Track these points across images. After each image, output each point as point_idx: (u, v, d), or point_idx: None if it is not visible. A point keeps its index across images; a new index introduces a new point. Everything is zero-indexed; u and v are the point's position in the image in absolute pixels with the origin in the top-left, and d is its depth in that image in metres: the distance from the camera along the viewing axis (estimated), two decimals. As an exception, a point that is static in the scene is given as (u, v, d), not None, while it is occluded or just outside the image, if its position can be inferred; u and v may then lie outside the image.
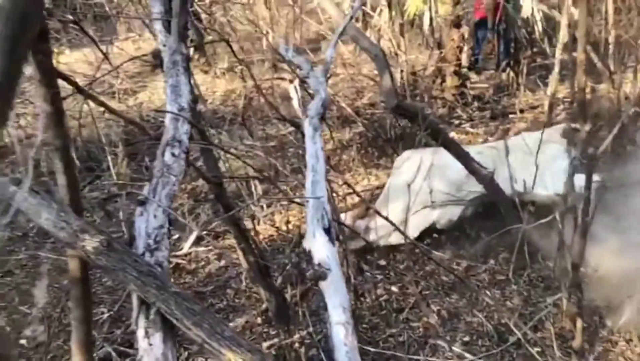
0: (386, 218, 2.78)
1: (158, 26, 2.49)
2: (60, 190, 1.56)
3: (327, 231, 2.00)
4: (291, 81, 5.28)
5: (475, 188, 4.39)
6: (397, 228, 2.86)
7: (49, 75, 1.42)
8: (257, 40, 6.55)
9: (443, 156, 4.23)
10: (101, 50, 3.00)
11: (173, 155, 2.02)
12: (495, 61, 6.65)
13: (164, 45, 2.39)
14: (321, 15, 6.37)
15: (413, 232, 4.34)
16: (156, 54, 2.50)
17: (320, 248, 1.94)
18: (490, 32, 6.15)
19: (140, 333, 1.57)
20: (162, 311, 1.59)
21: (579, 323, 3.15)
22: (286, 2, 6.38)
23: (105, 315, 3.91)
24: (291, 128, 5.90)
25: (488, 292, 4.05)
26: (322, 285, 1.88)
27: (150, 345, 1.55)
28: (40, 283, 4.29)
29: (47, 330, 3.77)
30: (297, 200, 2.78)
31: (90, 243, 1.57)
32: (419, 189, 4.04)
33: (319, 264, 1.91)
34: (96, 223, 4.54)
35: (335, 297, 1.85)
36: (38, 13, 0.47)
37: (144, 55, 6.45)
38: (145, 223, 1.77)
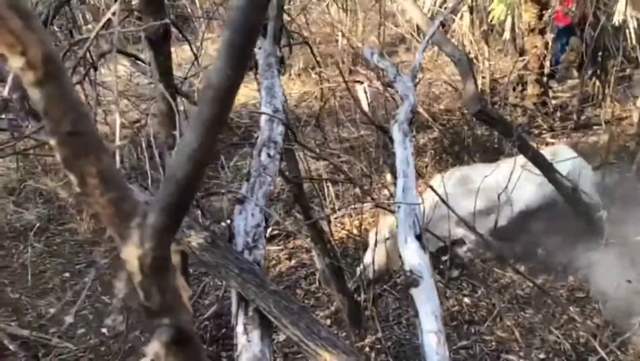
0: (473, 229, 2.72)
1: (253, 29, 2.55)
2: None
3: (419, 238, 1.98)
4: (361, 83, 5.28)
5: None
6: (481, 237, 2.79)
7: (168, 76, 1.47)
8: (334, 42, 6.58)
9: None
10: (194, 52, 3.10)
11: (269, 155, 2.06)
12: (579, 69, 6.38)
13: (259, 48, 2.45)
14: (400, 17, 6.33)
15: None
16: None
17: (412, 254, 1.91)
18: (577, 39, 5.90)
19: (240, 329, 1.61)
20: (261, 309, 1.62)
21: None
22: (364, 4, 6.38)
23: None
24: (364, 132, 5.90)
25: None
26: (414, 292, 1.86)
27: (249, 341, 1.58)
28: (121, 274, 4.49)
29: (126, 321, 3.92)
30: (387, 205, 2.76)
31: (196, 239, 1.62)
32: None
33: (411, 271, 1.89)
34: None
35: (427, 305, 1.82)
36: (261, 24, 0.49)
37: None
38: (244, 221, 1.81)
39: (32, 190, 5.33)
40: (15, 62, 0.44)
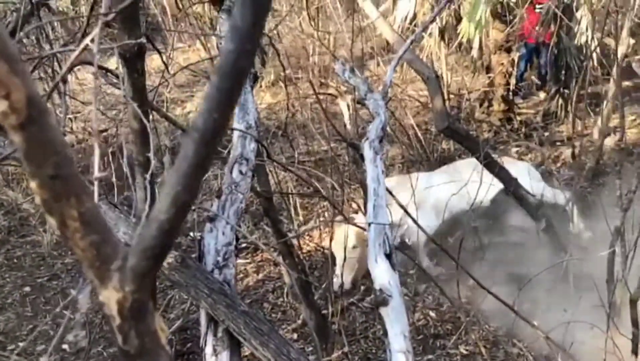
0: (440, 247, 2.75)
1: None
2: (139, 205, 1.59)
3: (389, 256, 1.99)
4: (337, 97, 5.32)
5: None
6: (445, 252, 2.83)
7: (141, 93, 1.46)
8: (305, 56, 6.62)
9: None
10: (164, 62, 3.06)
11: (241, 172, 2.06)
12: (542, 87, 6.57)
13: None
14: (370, 33, 6.41)
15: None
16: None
17: (382, 273, 1.93)
18: (542, 57, 6.09)
19: (209, 350, 1.59)
20: (231, 330, 1.61)
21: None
22: (335, 19, 6.45)
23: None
24: (333, 145, 5.94)
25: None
26: (383, 311, 1.88)
27: (218, 363, 1.56)
28: (84, 289, 4.38)
29: (89, 336, 3.83)
30: (359, 223, 2.77)
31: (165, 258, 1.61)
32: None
33: (380, 290, 1.90)
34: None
35: (397, 324, 1.84)
36: (250, 69, 0.49)
37: (190, 64, 6.60)
38: (215, 240, 1.80)
39: (-9, 201, 5.17)
40: (-2, 106, 0.43)
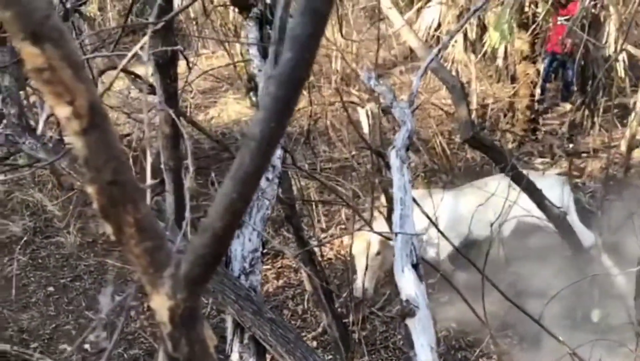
0: (464, 256, 2.72)
1: (253, 51, 2.56)
2: (168, 209, 1.60)
3: (415, 267, 1.97)
4: (359, 105, 5.30)
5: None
6: (473, 265, 2.79)
7: (173, 99, 1.47)
8: (328, 63, 6.63)
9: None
10: (189, 67, 3.09)
11: (267, 179, 2.06)
12: (567, 98, 6.49)
13: (259, 70, 2.45)
14: (394, 41, 6.40)
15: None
16: (251, 77, 2.56)
17: (409, 284, 1.91)
18: (567, 68, 6.01)
19: (235, 357, 1.59)
20: (257, 337, 1.60)
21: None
22: (359, 27, 6.46)
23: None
24: (355, 152, 5.93)
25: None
26: (409, 322, 1.86)
27: (245, 370, 1.56)
28: (106, 290, 4.43)
29: (110, 337, 3.85)
30: (385, 233, 2.75)
31: (194, 263, 1.61)
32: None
33: (407, 301, 1.88)
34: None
35: (423, 336, 1.82)
36: (307, 78, 0.49)
37: (211, 69, 6.65)
38: (242, 246, 1.80)
39: (19, 202, 5.25)
40: (62, 112, 0.43)
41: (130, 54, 0.89)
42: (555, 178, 4.61)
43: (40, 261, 4.80)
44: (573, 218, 4.32)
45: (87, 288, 4.51)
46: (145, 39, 0.86)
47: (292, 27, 0.49)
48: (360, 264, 4.03)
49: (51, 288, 4.49)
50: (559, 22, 5.63)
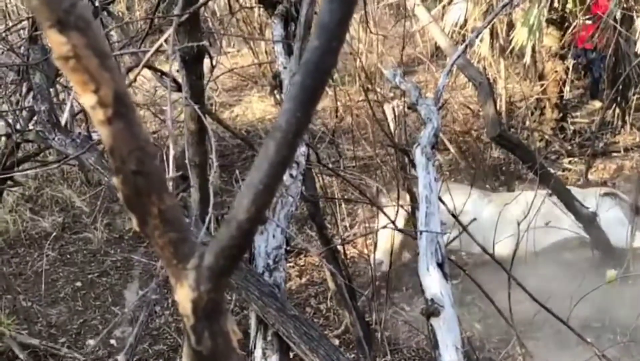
0: (491, 256, 2.67)
1: (278, 48, 2.56)
2: (193, 205, 1.61)
3: (441, 266, 1.95)
4: (380, 104, 5.26)
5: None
6: (500, 265, 2.74)
7: (199, 95, 1.47)
8: (352, 60, 6.61)
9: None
10: (212, 65, 3.10)
11: (291, 175, 2.06)
12: (595, 96, 6.35)
13: (285, 67, 2.45)
14: (419, 38, 6.35)
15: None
16: (275, 75, 2.55)
17: (434, 283, 1.89)
18: (595, 66, 5.87)
19: (258, 353, 1.59)
20: (280, 334, 1.60)
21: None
22: (384, 24, 6.42)
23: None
24: (379, 151, 5.89)
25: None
26: (434, 321, 1.83)
27: (268, 366, 1.56)
28: (132, 286, 4.49)
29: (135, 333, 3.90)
30: (409, 231, 2.73)
31: (218, 259, 1.62)
32: None
33: (432, 300, 1.86)
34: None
35: (448, 336, 1.79)
36: (334, 67, 0.48)
37: (235, 68, 6.68)
38: (265, 242, 1.80)
39: (49, 198, 5.36)
40: (87, 100, 0.43)
41: (155, 47, 0.90)
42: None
43: (68, 256, 4.89)
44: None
45: (113, 283, 4.58)
46: (170, 30, 0.86)
47: (320, 15, 0.48)
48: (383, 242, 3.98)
49: (79, 284, 4.57)
50: (587, 20, 5.51)
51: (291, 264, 4.95)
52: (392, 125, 4.39)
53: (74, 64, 0.42)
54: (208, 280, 0.49)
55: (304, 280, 4.88)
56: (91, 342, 3.97)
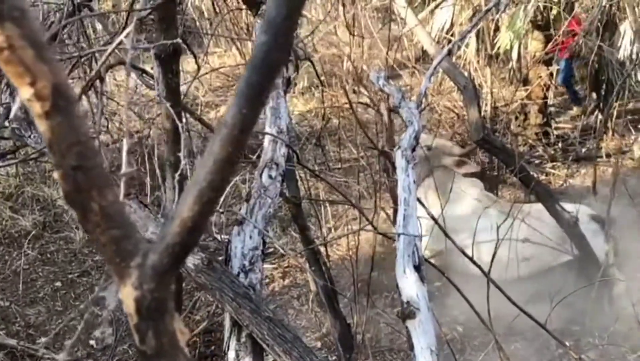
0: (473, 261, 2.68)
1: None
2: (168, 205, 1.59)
3: (418, 268, 1.95)
4: (370, 106, 5.27)
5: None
6: (481, 269, 2.75)
7: (175, 94, 1.46)
8: (339, 63, 6.62)
9: None
10: (197, 65, 3.09)
11: (270, 177, 2.05)
12: (578, 101, 6.41)
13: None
14: (406, 42, 6.37)
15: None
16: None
17: (410, 285, 1.89)
18: (565, 72, 5.94)
19: (231, 355, 1.58)
20: (254, 335, 1.59)
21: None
22: (370, 27, 6.43)
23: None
24: (364, 153, 5.90)
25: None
26: (410, 324, 1.83)
27: (241, 368, 1.55)
28: (112, 286, 4.45)
29: (115, 334, 3.87)
30: (388, 234, 2.73)
31: (192, 260, 1.60)
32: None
33: (408, 302, 1.86)
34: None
35: (423, 338, 1.79)
36: (283, 64, 0.47)
37: (221, 67, 6.66)
38: (242, 243, 1.79)
39: (29, 196, 5.29)
40: (24, 93, 0.42)
41: (114, 44, 0.88)
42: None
43: (48, 256, 4.83)
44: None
45: (94, 283, 4.53)
46: (130, 27, 0.85)
47: (266, 11, 0.48)
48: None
49: (59, 283, 4.51)
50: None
51: (274, 266, 4.93)
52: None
53: (8, 55, 0.41)
54: (151, 278, 0.48)
55: (286, 281, 4.86)
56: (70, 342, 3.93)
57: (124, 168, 0.57)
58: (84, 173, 0.45)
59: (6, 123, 2.20)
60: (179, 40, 1.32)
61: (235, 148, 0.47)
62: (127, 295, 0.48)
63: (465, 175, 4.31)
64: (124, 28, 1.80)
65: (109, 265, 0.48)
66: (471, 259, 2.57)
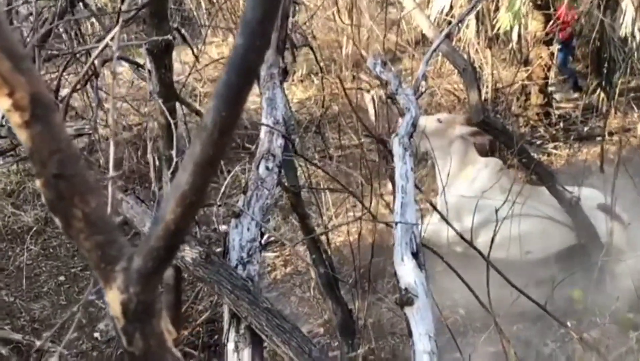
0: (473, 246, 2.69)
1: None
2: (164, 201, 1.59)
3: (415, 255, 1.96)
4: (368, 92, 5.25)
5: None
6: (481, 254, 2.75)
7: (169, 89, 1.46)
8: (338, 49, 6.58)
9: None
10: (195, 57, 3.07)
11: (267, 168, 2.05)
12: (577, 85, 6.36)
13: (261, 57, 2.43)
14: (404, 26, 6.31)
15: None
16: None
17: (408, 272, 1.90)
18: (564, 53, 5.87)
19: (230, 346, 1.59)
20: (253, 327, 1.60)
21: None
22: (370, 12, 6.39)
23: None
24: (364, 140, 5.89)
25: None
26: (408, 310, 1.84)
27: (239, 360, 1.56)
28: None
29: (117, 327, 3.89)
30: (386, 221, 2.73)
31: (190, 254, 1.61)
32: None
33: (406, 289, 1.87)
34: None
35: (422, 325, 1.81)
36: (260, 65, 0.48)
37: (220, 58, 6.61)
38: (240, 235, 1.80)
39: (30, 192, 5.31)
40: (3, 103, 0.43)
41: (103, 43, 0.88)
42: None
43: (51, 250, 4.86)
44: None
45: (96, 277, 4.55)
46: (117, 28, 0.85)
47: (244, 12, 0.48)
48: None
49: (62, 278, 4.54)
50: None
51: (276, 254, 4.95)
52: (372, 115, 4.38)
53: (-17, 66, 0.41)
54: (137, 282, 0.48)
55: (288, 269, 4.88)
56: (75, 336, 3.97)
57: (111, 171, 0.57)
58: (66, 181, 0.45)
59: (3, 123, 2.20)
60: (169, 37, 1.32)
61: (215, 151, 0.48)
62: (113, 298, 0.48)
63: (481, 149, 4.36)
64: (117, 24, 1.79)
65: (94, 270, 0.48)
66: (470, 243, 2.58)
